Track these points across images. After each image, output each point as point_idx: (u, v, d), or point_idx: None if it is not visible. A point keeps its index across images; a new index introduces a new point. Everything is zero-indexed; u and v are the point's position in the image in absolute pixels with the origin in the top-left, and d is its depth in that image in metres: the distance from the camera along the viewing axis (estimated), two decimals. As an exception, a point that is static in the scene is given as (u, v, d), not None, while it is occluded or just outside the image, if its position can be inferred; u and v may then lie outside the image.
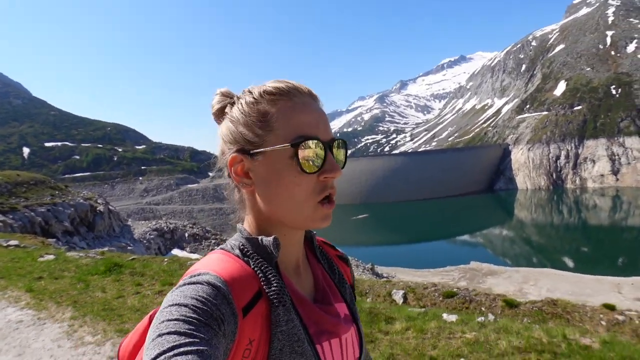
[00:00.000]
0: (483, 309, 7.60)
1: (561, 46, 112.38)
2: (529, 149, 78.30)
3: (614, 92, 79.78)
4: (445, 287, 9.18)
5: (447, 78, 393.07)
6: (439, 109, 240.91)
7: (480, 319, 4.82)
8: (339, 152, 0.75)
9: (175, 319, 0.54)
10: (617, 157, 70.10)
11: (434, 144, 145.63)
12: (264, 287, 0.68)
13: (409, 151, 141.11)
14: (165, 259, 7.57)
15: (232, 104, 0.75)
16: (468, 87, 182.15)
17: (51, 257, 7.41)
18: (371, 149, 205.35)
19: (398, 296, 8.13)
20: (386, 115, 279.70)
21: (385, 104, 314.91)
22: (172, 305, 0.57)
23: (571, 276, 20.55)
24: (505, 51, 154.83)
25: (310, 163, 0.68)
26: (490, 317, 5.85)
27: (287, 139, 0.68)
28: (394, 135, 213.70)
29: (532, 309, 7.56)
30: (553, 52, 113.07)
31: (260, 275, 0.69)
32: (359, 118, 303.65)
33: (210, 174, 67.51)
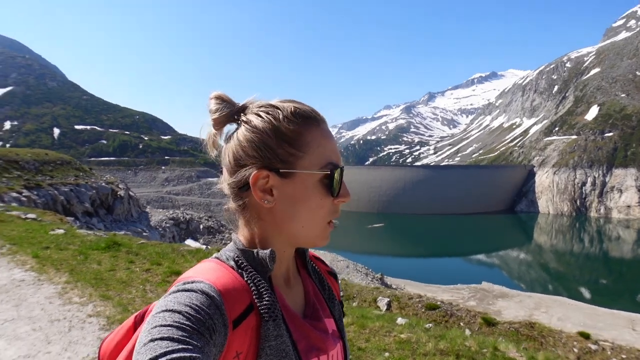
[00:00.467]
0: (462, 324, 7.91)
1: (596, 70, 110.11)
2: (554, 173, 76.86)
3: None
4: (430, 300, 9.45)
5: (476, 93, 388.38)
6: (466, 124, 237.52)
7: (428, 325, 5.11)
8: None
9: (169, 325, 0.54)
10: (650, 188, 68.21)
11: (457, 159, 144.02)
12: (256, 300, 0.69)
13: (432, 164, 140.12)
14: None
15: (241, 111, 0.76)
16: (497, 104, 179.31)
17: (61, 231, 8.00)
18: (393, 158, 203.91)
19: (382, 303, 8.43)
20: (411, 126, 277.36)
21: (411, 115, 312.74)
22: (166, 310, 0.57)
23: (585, 307, 20.07)
24: (538, 70, 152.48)
25: (334, 187, 0.73)
26: (467, 332, 6.09)
27: (319, 164, 0.72)
28: (418, 147, 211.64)
29: (509, 329, 7.78)
30: (587, 75, 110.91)
31: (253, 288, 0.70)
32: (383, 127, 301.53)
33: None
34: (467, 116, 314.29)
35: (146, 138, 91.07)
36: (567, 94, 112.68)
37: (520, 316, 14.23)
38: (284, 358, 0.68)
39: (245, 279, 0.71)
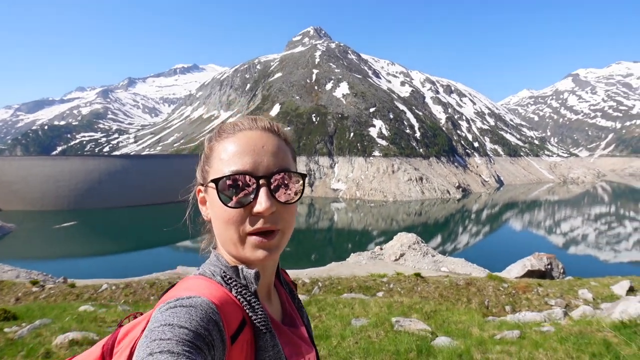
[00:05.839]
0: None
1: (279, 74, 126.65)
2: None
3: (314, 119, 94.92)
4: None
5: (178, 83, 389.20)
6: (168, 113, 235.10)
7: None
8: None
9: (168, 339, 0.54)
10: (313, 172, 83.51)
11: (159, 148, 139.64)
12: (250, 314, 0.71)
13: (132, 154, 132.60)
14: None
15: None
16: (198, 96, 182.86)
17: None
18: (87, 147, 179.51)
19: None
20: (109, 112, 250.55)
21: (108, 100, 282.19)
22: (165, 325, 0.57)
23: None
24: (234, 69, 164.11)
25: (220, 196, 0.75)
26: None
27: (217, 176, 0.76)
28: (117, 135, 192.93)
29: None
30: (273, 78, 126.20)
31: (244, 303, 0.71)
32: (75, 111, 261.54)
33: None
34: (169, 105, 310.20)
35: None
36: (256, 92, 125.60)
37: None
38: None
39: (234, 294, 0.72)
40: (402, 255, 23.18)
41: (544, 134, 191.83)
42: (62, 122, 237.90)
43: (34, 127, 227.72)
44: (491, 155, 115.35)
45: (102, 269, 30.30)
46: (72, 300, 9.61)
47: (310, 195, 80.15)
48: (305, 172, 0.82)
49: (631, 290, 11.35)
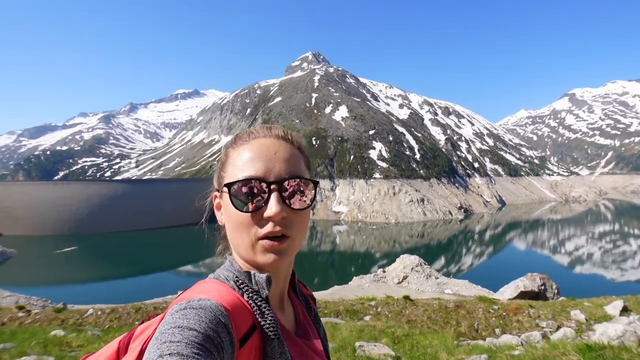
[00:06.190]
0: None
1: (279, 98, 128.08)
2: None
3: (314, 142, 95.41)
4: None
5: (179, 109, 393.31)
6: (169, 138, 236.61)
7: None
8: None
9: (178, 341, 0.55)
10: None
11: (160, 173, 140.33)
12: (259, 320, 0.71)
13: (133, 178, 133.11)
14: None
15: None
16: (198, 120, 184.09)
17: None
18: (89, 172, 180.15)
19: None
20: (111, 138, 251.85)
21: (110, 125, 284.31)
22: (175, 327, 0.58)
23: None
24: (234, 94, 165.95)
25: (233, 202, 0.76)
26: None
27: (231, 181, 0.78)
28: (118, 160, 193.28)
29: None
30: (272, 102, 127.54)
31: (255, 308, 0.72)
32: (77, 136, 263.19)
33: None
34: (170, 130, 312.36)
35: None
36: (257, 117, 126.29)
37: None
38: None
39: (246, 299, 0.72)
40: (405, 277, 22.85)
41: (543, 154, 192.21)
42: (65, 147, 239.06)
43: (36, 153, 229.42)
44: (492, 175, 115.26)
45: (103, 294, 30.01)
46: (57, 325, 9.56)
47: (311, 218, 78.39)
48: (317, 180, 0.85)
49: (625, 311, 11.15)
